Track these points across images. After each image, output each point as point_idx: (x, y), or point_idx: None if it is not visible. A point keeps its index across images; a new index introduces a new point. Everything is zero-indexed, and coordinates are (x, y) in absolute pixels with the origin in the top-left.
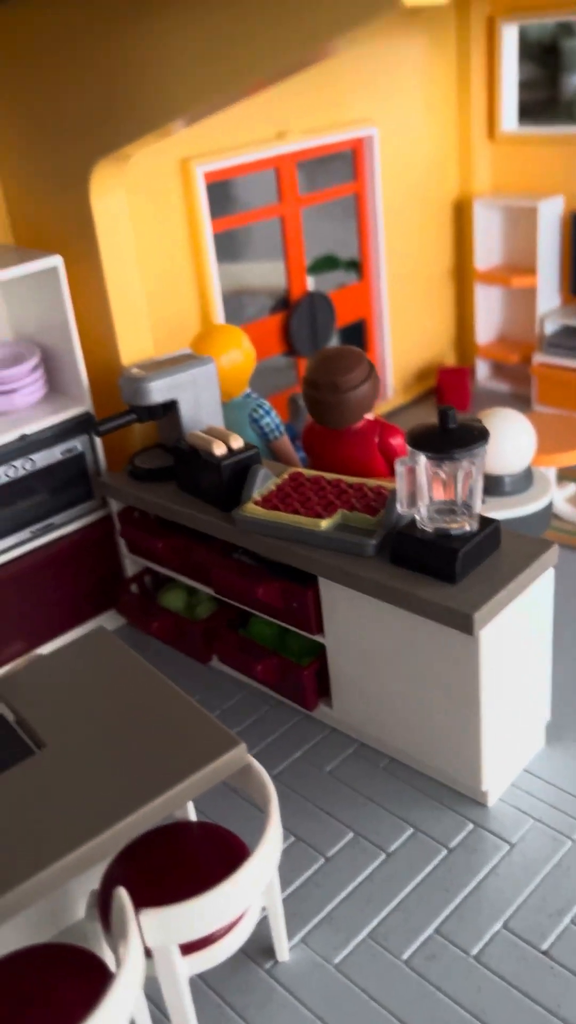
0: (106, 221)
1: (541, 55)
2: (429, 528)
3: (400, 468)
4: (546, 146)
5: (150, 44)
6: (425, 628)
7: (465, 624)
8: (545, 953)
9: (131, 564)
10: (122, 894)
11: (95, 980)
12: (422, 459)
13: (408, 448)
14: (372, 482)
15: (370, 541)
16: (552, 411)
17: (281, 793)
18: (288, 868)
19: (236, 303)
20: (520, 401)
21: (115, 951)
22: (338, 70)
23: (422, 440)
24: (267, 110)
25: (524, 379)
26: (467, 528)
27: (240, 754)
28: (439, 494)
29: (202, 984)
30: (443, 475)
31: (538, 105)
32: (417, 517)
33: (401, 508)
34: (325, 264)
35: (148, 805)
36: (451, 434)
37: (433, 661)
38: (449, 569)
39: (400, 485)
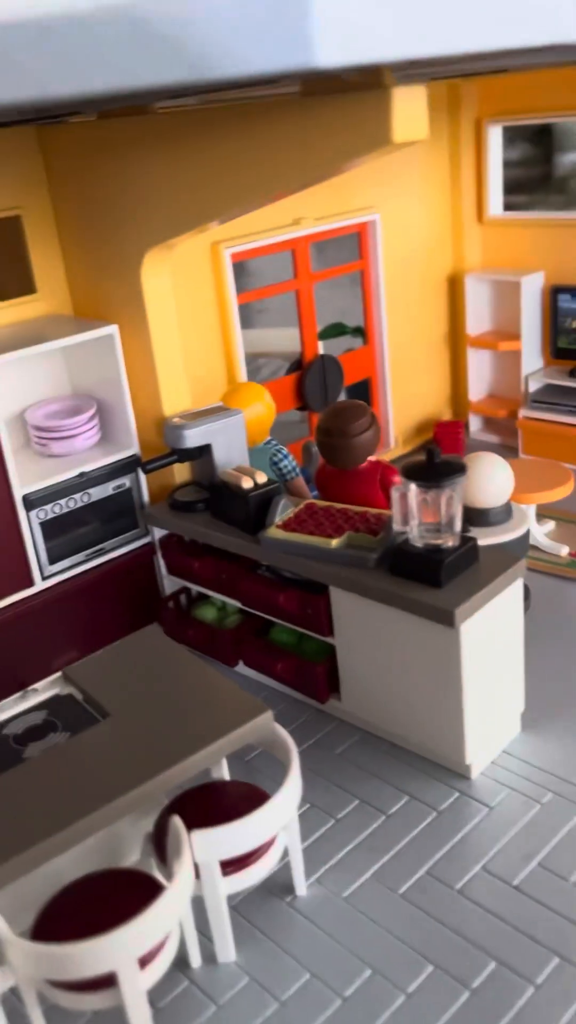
0: (154, 297)
1: (535, 135)
2: (419, 544)
3: (395, 494)
4: (527, 228)
5: (194, 157)
6: (416, 625)
7: (447, 618)
8: (516, 887)
9: (169, 584)
10: (177, 821)
11: (152, 891)
12: (412, 487)
13: (401, 479)
14: (374, 511)
15: (372, 555)
16: (535, 459)
17: None
18: (305, 827)
19: (256, 364)
20: (508, 451)
21: (170, 866)
22: None
23: (413, 472)
24: (285, 200)
25: (512, 431)
26: (450, 544)
27: (267, 719)
28: (427, 517)
29: (236, 914)
30: (429, 500)
31: (532, 181)
32: (409, 536)
33: (396, 527)
34: (334, 331)
35: (191, 757)
36: (436, 467)
37: (423, 653)
38: (435, 576)
39: (395, 508)
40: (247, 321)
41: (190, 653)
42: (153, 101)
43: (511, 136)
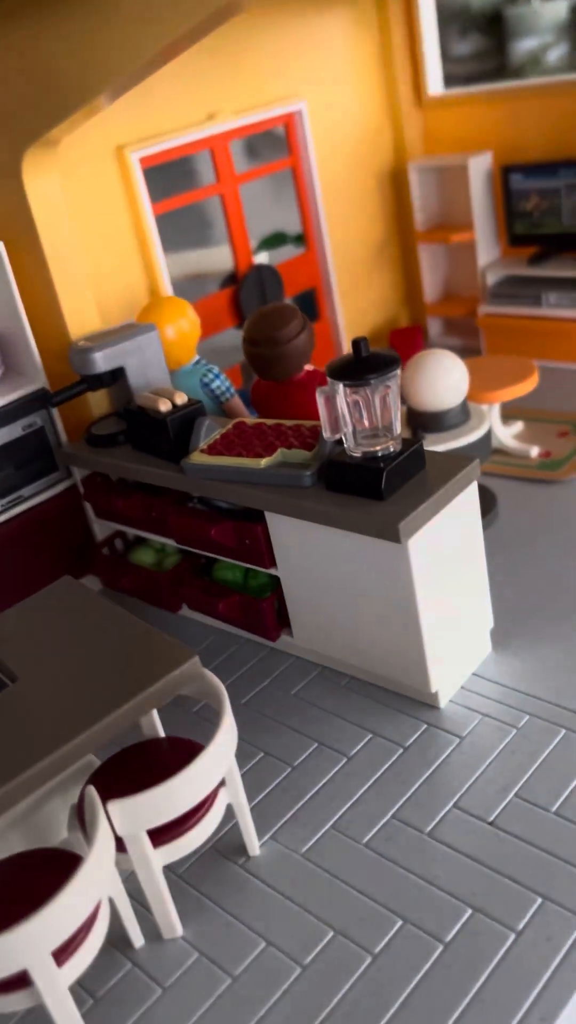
0: (42, 206)
1: (487, 25)
2: (357, 453)
3: (320, 398)
4: (472, 106)
5: (60, 28)
6: (361, 545)
7: (392, 533)
8: (491, 823)
9: (100, 528)
10: (91, 791)
11: (72, 870)
12: (340, 387)
13: (328, 379)
14: (309, 423)
15: (306, 472)
16: (495, 356)
17: (249, 717)
18: (257, 778)
19: (188, 286)
20: (472, 353)
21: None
22: (262, 49)
23: (339, 370)
24: (195, 93)
25: (473, 332)
26: (391, 449)
27: (194, 665)
28: (361, 423)
29: (181, 882)
30: (362, 402)
31: (487, 75)
32: (345, 445)
33: (326, 435)
34: (275, 241)
35: (111, 715)
36: (365, 362)
37: (372, 575)
38: (376, 487)
39: (322, 413)
40: (183, 233)
41: (110, 603)
42: None
43: (463, 28)
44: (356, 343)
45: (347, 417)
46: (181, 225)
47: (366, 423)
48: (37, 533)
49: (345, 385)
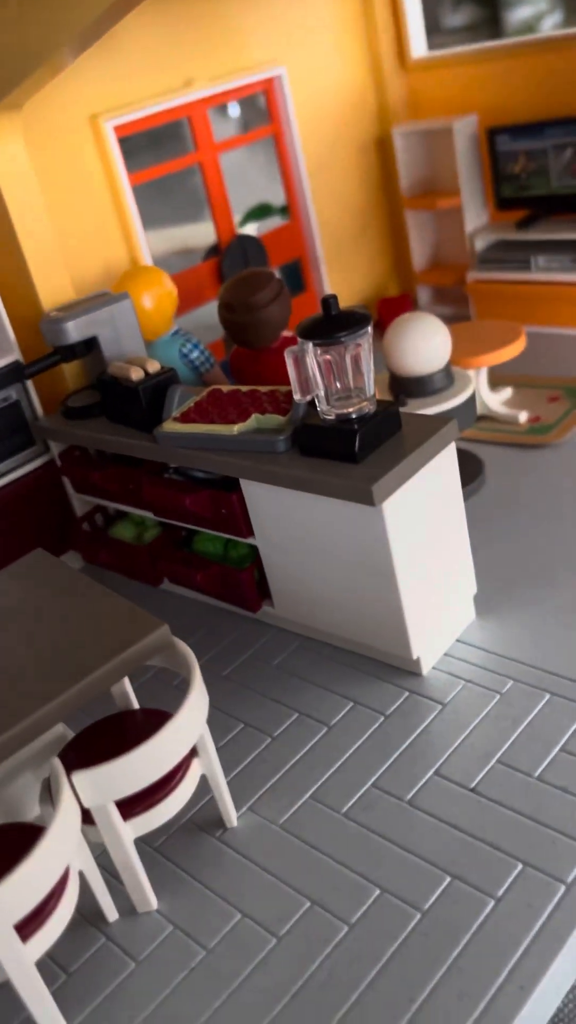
0: (8, 173)
1: None
2: (330, 416)
3: (288, 358)
4: (456, 67)
5: None
6: (337, 510)
7: (366, 496)
8: (473, 790)
9: (80, 504)
10: (55, 762)
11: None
12: (309, 347)
13: (294, 335)
14: (285, 388)
15: (280, 437)
16: (482, 321)
17: (230, 689)
18: (237, 750)
19: (171, 260)
20: (462, 320)
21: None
22: (240, 13)
23: (308, 329)
24: (171, 59)
25: (463, 299)
26: (366, 410)
27: (163, 635)
28: (334, 384)
29: (158, 856)
30: (334, 361)
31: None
32: (319, 408)
33: (296, 396)
34: (260, 212)
35: (80, 683)
36: (335, 320)
37: (349, 541)
38: (350, 450)
39: (292, 375)
40: (164, 206)
41: (82, 575)
42: None
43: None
44: (326, 301)
45: (318, 378)
46: (162, 198)
47: (338, 384)
48: (15, 510)
49: (315, 344)
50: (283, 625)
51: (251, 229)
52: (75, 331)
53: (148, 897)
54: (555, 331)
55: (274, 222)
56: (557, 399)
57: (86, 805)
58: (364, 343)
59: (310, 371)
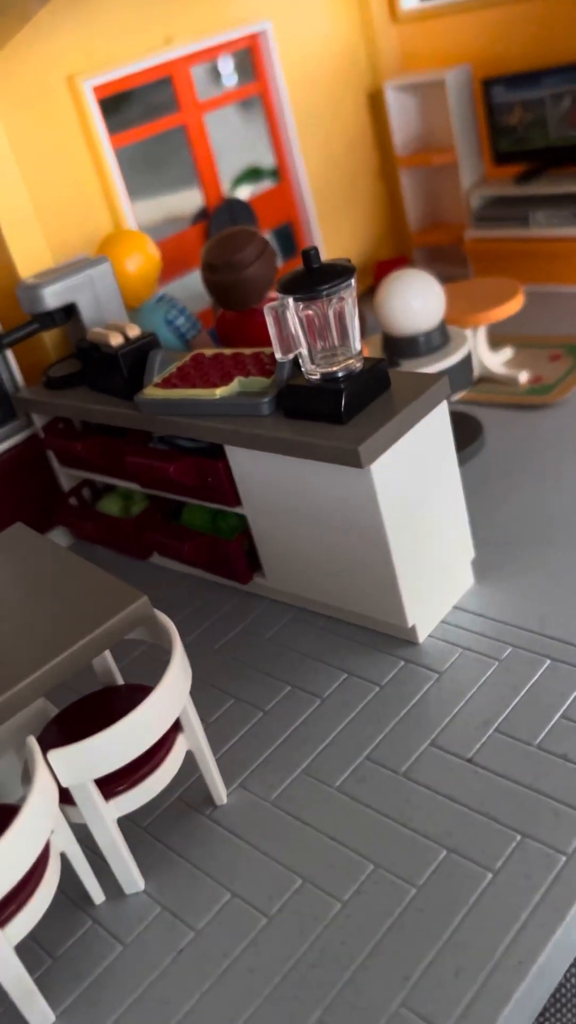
0: None
1: None
2: (315, 375)
3: (268, 315)
4: (449, 16)
5: None
6: (325, 474)
7: (353, 459)
8: (470, 760)
9: (66, 478)
10: (30, 740)
11: None
12: (290, 302)
13: (277, 295)
14: (269, 350)
15: (264, 400)
16: (479, 279)
17: (222, 664)
18: (227, 725)
19: (158, 227)
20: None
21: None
22: None
23: (288, 283)
24: (150, 16)
25: (460, 259)
26: (353, 368)
27: (143, 606)
28: (318, 341)
29: (146, 835)
30: (316, 318)
31: None
32: (303, 368)
33: (278, 356)
34: (250, 176)
35: (59, 657)
36: (316, 273)
37: (339, 506)
38: (336, 410)
39: (272, 332)
40: (155, 183)
41: (62, 548)
42: None
43: None
44: (306, 253)
45: (300, 336)
46: (148, 166)
47: (322, 342)
48: (1, 484)
49: (295, 299)
50: (275, 597)
51: (243, 194)
52: (52, 297)
53: (135, 878)
54: (556, 289)
55: (265, 186)
56: (559, 358)
57: (64, 784)
58: (348, 297)
59: (292, 328)
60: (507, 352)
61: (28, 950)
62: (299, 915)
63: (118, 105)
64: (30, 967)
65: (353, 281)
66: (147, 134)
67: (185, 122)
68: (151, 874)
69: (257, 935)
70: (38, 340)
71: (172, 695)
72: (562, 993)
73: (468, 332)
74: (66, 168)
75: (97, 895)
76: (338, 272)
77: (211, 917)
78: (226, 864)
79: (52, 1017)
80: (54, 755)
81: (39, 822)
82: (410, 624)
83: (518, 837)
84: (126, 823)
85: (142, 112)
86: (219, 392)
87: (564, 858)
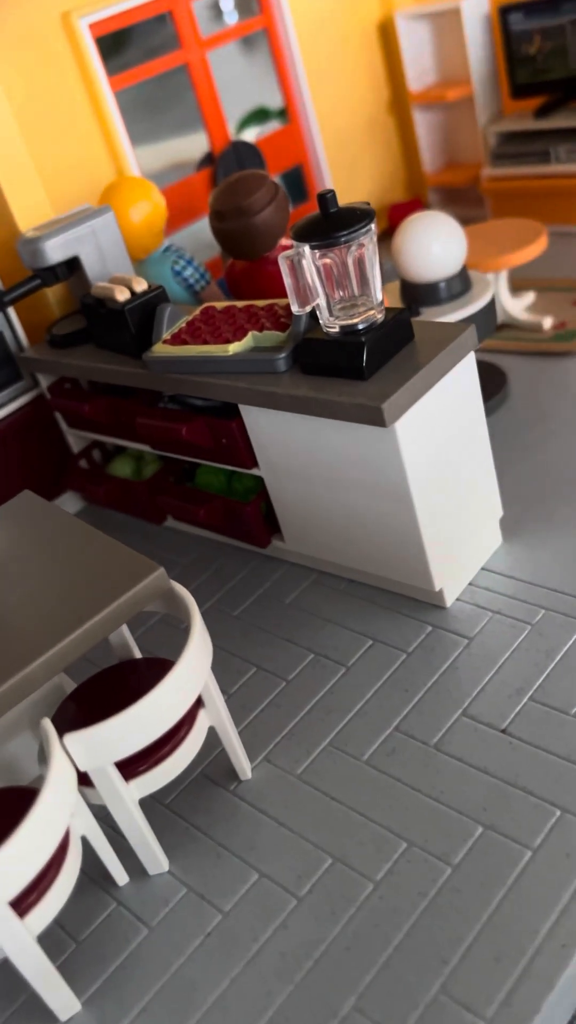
0: None
1: None
2: (334, 328)
3: (283, 264)
4: None
5: None
6: (346, 433)
7: (377, 417)
8: (504, 731)
9: (75, 440)
10: (45, 723)
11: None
12: (306, 250)
13: (293, 243)
14: (284, 301)
15: (280, 356)
16: (500, 220)
17: (241, 630)
18: (249, 696)
19: (163, 174)
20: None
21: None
22: None
23: (303, 230)
24: None
25: (478, 200)
26: (373, 319)
27: (160, 579)
28: (336, 292)
29: (168, 812)
30: (335, 266)
31: None
32: (321, 320)
33: (294, 308)
34: (256, 117)
35: (74, 634)
36: (333, 218)
37: (362, 466)
38: (357, 364)
39: (288, 283)
40: (160, 127)
41: (73, 517)
42: None
43: None
44: (322, 196)
45: (318, 286)
46: (151, 111)
47: (341, 292)
48: (6, 450)
49: (312, 247)
50: (295, 560)
51: (250, 135)
52: (53, 251)
53: (159, 858)
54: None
55: (272, 127)
56: None
57: (82, 768)
58: (368, 243)
59: (308, 278)
60: (529, 296)
61: (51, 934)
62: (330, 896)
63: (117, 45)
64: (53, 952)
65: (373, 226)
66: (148, 74)
67: (187, 60)
68: (175, 854)
69: (287, 917)
70: (41, 297)
71: (192, 673)
72: None
73: (490, 277)
74: (64, 113)
75: (120, 876)
76: (357, 216)
77: (239, 898)
78: (252, 842)
79: (78, 1006)
80: (71, 739)
81: (57, 811)
82: (437, 588)
83: (557, 812)
84: (147, 801)
85: (142, 54)
86: (232, 348)
87: None
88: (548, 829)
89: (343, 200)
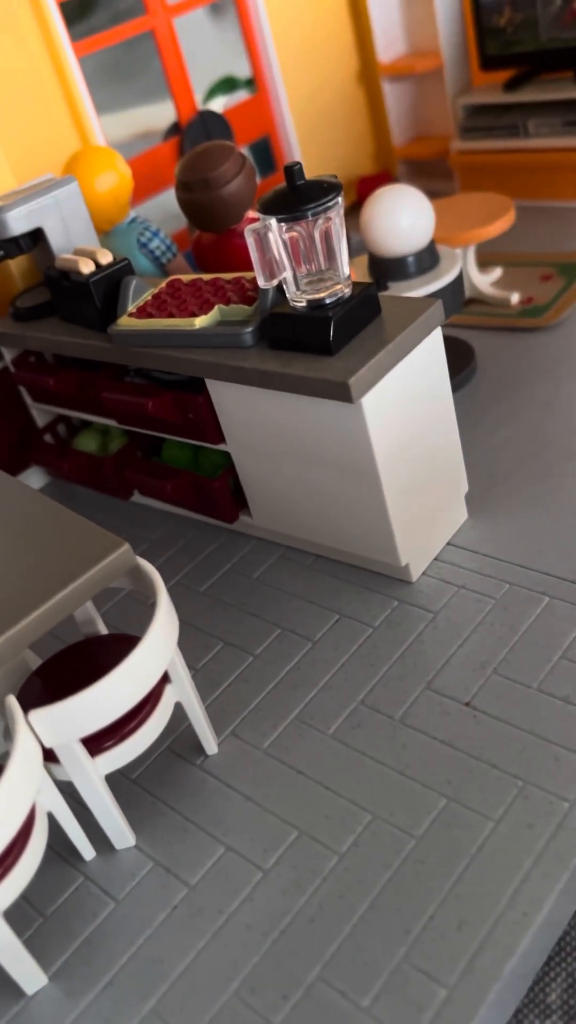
0: None
1: None
2: (300, 302)
3: (249, 237)
4: None
5: None
6: (312, 408)
7: (343, 393)
8: (468, 704)
9: (40, 414)
10: (10, 700)
11: None
12: (272, 223)
13: (259, 216)
14: (250, 274)
15: (246, 330)
16: (467, 194)
17: (208, 606)
18: (216, 671)
19: (131, 144)
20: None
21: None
22: None
23: (270, 202)
24: None
25: (447, 174)
26: (341, 294)
27: (126, 554)
28: (303, 265)
29: (135, 787)
30: (301, 240)
31: None
32: (288, 294)
33: (261, 282)
34: (224, 86)
35: (37, 610)
36: (299, 191)
37: (327, 441)
38: (324, 340)
39: (254, 256)
40: (125, 96)
41: (37, 493)
42: None
43: None
44: (289, 168)
45: (284, 260)
46: (118, 79)
47: (308, 266)
48: None
49: (278, 220)
50: (263, 536)
51: (217, 105)
52: (16, 222)
53: (125, 833)
54: (547, 204)
55: (240, 97)
56: (550, 278)
57: (47, 745)
58: (335, 216)
59: (275, 251)
60: (496, 272)
61: (18, 908)
62: (295, 868)
63: (82, 9)
64: (20, 926)
65: (340, 199)
66: (113, 40)
67: (153, 27)
68: (142, 828)
69: (252, 890)
70: (4, 269)
71: (158, 649)
72: (566, 942)
73: (458, 251)
74: (26, 80)
75: (87, 851)
76: (324, 189)
77: (205, 872)
78: (219, 816)
79: (44, 980)
80: (36, 716)
81: (23, 787)
82: (403, 563)
83: (519, 784)
84: (114, 776)
85: (108, 19)
86: (198, 322)
87: (567, 805)
88: (510, 800)
89: (311, 172)
